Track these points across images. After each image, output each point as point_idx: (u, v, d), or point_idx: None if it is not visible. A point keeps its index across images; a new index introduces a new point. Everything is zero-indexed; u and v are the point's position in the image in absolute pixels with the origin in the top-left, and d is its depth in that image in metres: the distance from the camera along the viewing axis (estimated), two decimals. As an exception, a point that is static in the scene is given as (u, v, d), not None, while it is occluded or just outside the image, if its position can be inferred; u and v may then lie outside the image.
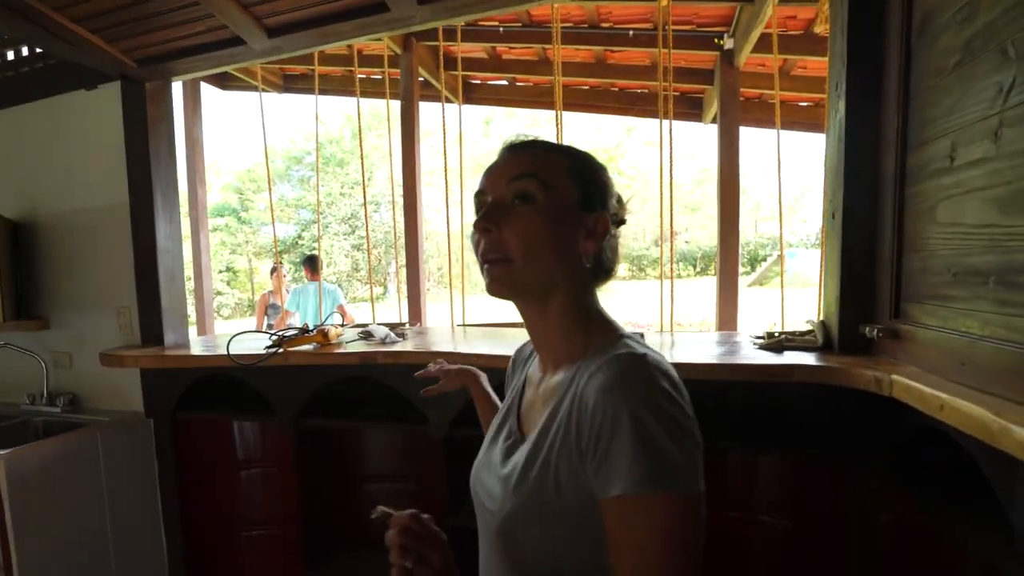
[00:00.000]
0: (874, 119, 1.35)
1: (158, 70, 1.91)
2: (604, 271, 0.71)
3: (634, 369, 0.57)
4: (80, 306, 2.12)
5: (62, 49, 1.81)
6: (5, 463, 1.58)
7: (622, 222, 0.74)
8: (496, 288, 0.65)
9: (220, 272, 16.26)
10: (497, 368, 1.51)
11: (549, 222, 0.63)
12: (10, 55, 2.16)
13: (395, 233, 2.92)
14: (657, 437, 0.53)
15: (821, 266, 1.97)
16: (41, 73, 2.09)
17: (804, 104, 4.58)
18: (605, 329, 0.68)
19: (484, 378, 1.07)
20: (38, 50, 2.09)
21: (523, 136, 0.72)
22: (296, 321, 4.39)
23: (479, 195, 0.68)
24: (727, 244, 3.48)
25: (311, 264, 4.55)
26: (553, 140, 0.74)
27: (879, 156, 1.34)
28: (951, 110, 1.04)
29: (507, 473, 0.65)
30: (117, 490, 1.91)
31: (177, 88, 2.03)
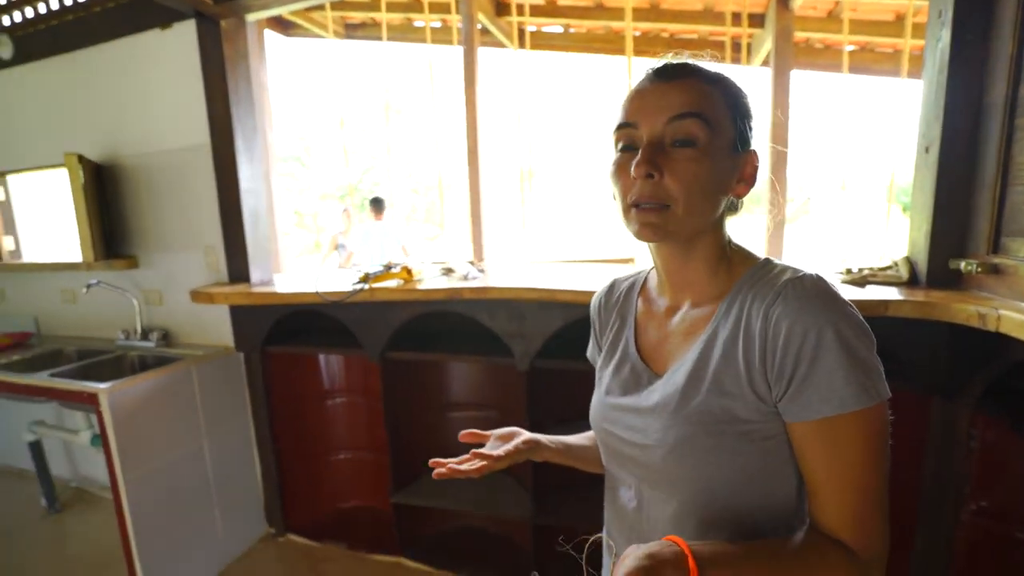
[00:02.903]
0: (982, 47, 1.32)
1: (233, 6, 1.91)
2: (735, 208, 0.69)
3: (821, 288, 0.57)
4: (167, 245, 2.21)
5: (136, -14, 1.82)
6: (109, 396, 1.70)
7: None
8: (649, 234, 0.61)
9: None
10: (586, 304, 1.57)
11: (711, 167, 0.59)
12: (83, -5, 2.18)
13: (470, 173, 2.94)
14: (860, 349, 0.55)
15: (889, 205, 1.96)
16: (114, 12, 2.10)
17: (851, 48, 4.41)
18: (745, 258, 0.67)
19: (543, 437, 0.85)
20: (111, -10, 2.11)
21: (670, 61, 0.63)
22: (358, 258, 4.57)
23: (625, 127, 0.62)
24: (776, 185, 3.47)
25: (376, 205, 4.65)
26: (704, 65, 0.63)
27: (985, 85, 1.32)
28: (1086, 32, 1.02)
29: (659, 405, 0.65)
30: (212, 419, 2.05)
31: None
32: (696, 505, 0.63)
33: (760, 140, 0.68)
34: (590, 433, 0.89)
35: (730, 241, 0.69)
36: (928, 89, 1.44)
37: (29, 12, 2.33)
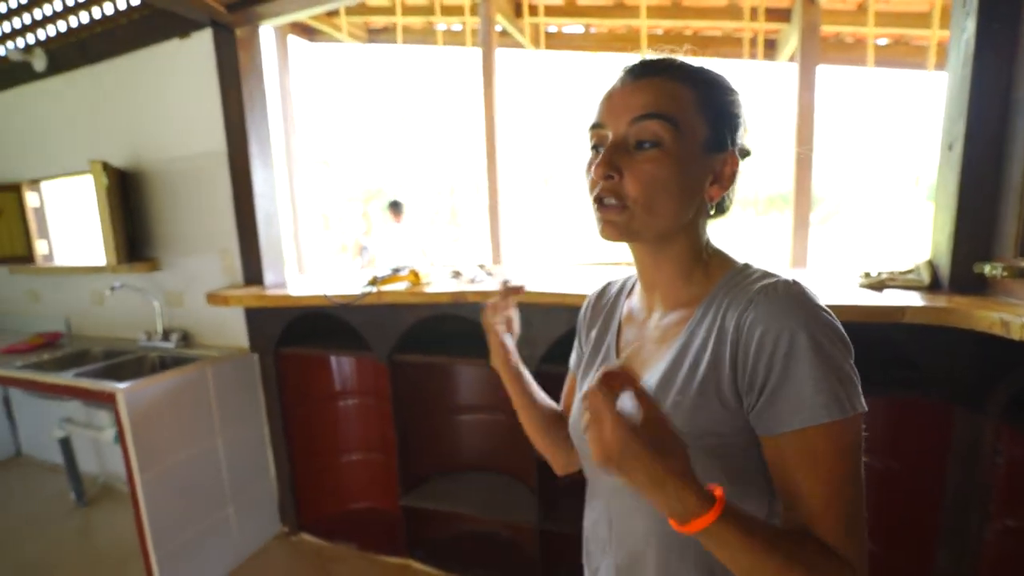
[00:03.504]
0: (1010, 37, 1.25)
1: (246, 14, 1.95)
2: (721, 209, 0.66)
3: (794, 293, 0.55)
4: (187, 248, 2.27)
5: (155, -5, 1.88)
6: (126, 395, 1.75)
7: (747, 154, 0.65)
8: (609, 232, 0.61)
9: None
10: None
11: (675, 168, 0.58)
12: (109, 8, 2.26)
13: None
14: (835, 357, 0.53)
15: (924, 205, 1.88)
16: (138, 24, 2.17)
17: (882, 42, 4.26)
18: (723, 263, 0.65)
19: (520, 365, 0.87)
20: (133, 1, 2.18)
21: (646, 57, 0.62)
22: (379, 261, 4.63)
23: (596, 127, 0.62)
24: (802, 184, 3.38)
25: (394, 208, 4.71)
26: (681, 60, 0.62)
27: (1013, 79, 1.25)
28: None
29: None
30: (227, 418, 2.09)
31: (270, 42, 2.08)
32: (662, 521, 0.60)
33: (753, 139, 0.65)
34: (552, 404, 0.89)
35: (708, 244, 0.66)
36: (952, 83, 1.38)
37: (62, 26, 2.44)
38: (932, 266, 1.45)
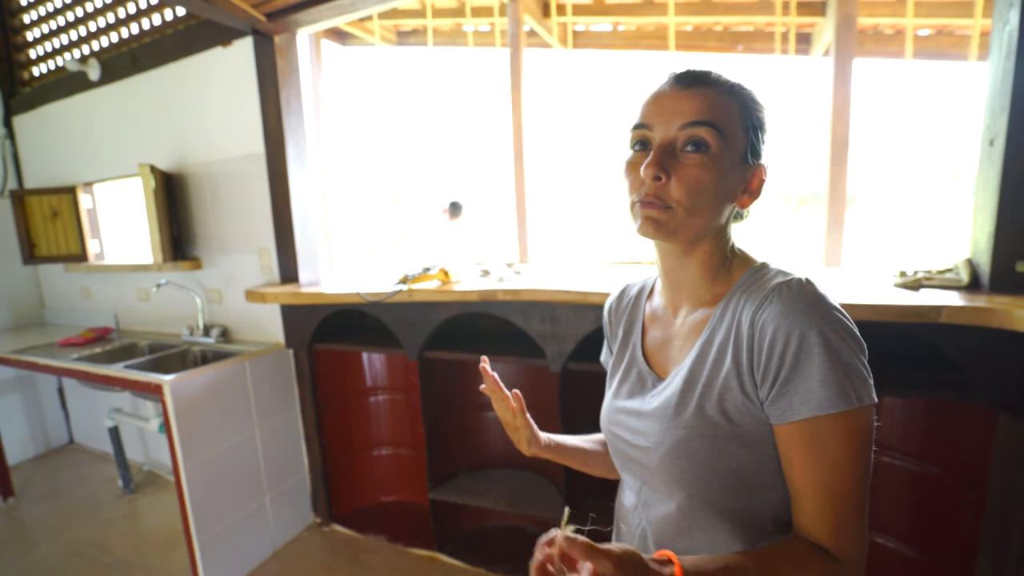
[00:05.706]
0: (1055, 29, 1.21)
1: (285, 22, 2.03)
2: (738, 216, 0.70)
3: (808, 291, 0.58)
4: (227, 247, 2.36)
5: (201, 7, 1.96)
6: (171, 386, 1.84)
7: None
8: (651, 229, 0.63)
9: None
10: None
11: (718, 175, 0.61)
12: (157, 19, 2.38)
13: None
14: (844, 353, 0.55)
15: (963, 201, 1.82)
16: (184, 33, 2.28)
17: (924, 33, 4.12)
18: (744, 261, 0.68)
19: (542, 436, 0.88)
20: (180, 12, 2.29)
21: (693, 68, 0.64)
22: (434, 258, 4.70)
23: (640, 128, 0.64)
24: (836, 182, 3.31)
25: (453, 208, 4.79)
26: (724, 75, 0.64)
27: (1059, 72, 1.21)
28: None
29: (659, 409, 0.67)
30: (264, 411, 2.17)
31: (304, 47, 2.15)
32: (693, 506, 0.65)
33: (774, 155, 0.68)
34: (594, 436, 0.91)
35: (733, 246, 0.69)
36: (994, 76, 1.34)
37: (115, 37, 2.58)
38: (971, 265, 1.41)
